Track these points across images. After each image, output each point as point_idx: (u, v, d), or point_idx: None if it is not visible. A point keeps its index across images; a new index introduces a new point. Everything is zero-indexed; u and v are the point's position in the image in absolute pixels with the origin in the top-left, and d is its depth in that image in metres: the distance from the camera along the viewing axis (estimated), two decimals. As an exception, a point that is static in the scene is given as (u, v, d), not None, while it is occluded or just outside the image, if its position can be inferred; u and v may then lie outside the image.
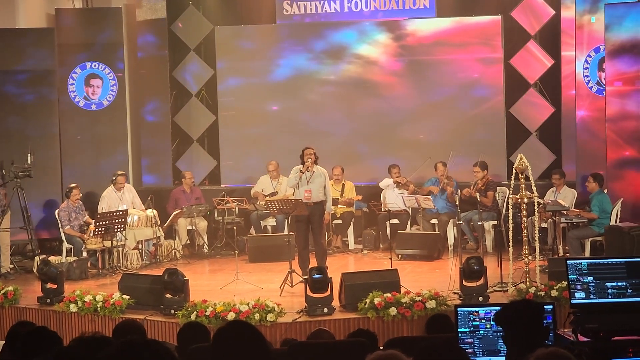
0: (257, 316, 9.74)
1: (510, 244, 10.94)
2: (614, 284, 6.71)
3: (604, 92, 14.05)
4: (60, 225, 13.66)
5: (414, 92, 16.17)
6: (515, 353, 4.78)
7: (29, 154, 13.78)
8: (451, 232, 14.18)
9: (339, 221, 14.87)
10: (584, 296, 6.71)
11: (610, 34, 13.61)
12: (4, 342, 6.11)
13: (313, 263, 11.79)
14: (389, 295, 9.98)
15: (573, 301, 6.74)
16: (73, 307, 10.63)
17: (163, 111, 16.86)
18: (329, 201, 12.51)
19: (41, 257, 12.66)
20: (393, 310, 9.84)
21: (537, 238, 10.99)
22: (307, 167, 12.12)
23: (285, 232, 13.89)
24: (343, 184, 15.08)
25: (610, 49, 13.63)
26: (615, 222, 12.84)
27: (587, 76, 14.53)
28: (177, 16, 16.79)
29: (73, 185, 13.97)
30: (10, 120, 14.88)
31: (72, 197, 13.81)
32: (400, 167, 14.92)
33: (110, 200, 14.33)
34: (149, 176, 16.85)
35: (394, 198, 14.67)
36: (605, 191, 13.34)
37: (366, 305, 9.94)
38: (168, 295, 10.44)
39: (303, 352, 6.26)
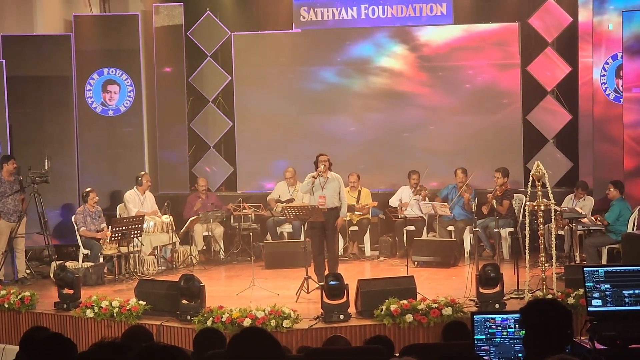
0: (273, 322, 9.74)
1: (527, 251, 10.90)
2: (631, 291, 6.67)
3: (621, 99, 14.01)
4: (76, 229, 13.67)
5: (430, 100, 16.13)
6: (533, 356, 4.73)
7: (46, 160, 13.80)
8: (467, 239, 14.16)
9: (355, 228, 14.86)
10: (600, 304, 6.67)
11: (627, 31, 13.57)
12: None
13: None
14: (405, 302, 9.96)
15: (590, 309, 6.70)
16: (89, 313, 10.64)
17: (180, 117, 16.89)
18: (344, 207, 12.46)
19: (58, 262, 12.71)
20: (409, 317, 9.82)
21: (553, 245, 10.94)
22: (320, 173, 12.10)
23: (302, 239, 13.88)
24: (359, 191, 15.06)
25: (627, 45, 13.57)
26: (633, 229, 12.79)
27: (605, 83, 14.47)
28: (194, 23, 16.83)
29: (89, 189, 13.93)
30: (27, 126, 14.89)
31: (89, 201, 13.76)
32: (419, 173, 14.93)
33: (134, 203, 14.37)
34: (165, 182, 16.84)
35: (410, 204, 14.66)
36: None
37: (382, 312, 9.91)
38: (184, 301, 10.44)
39: (319, 359, 6.25)
